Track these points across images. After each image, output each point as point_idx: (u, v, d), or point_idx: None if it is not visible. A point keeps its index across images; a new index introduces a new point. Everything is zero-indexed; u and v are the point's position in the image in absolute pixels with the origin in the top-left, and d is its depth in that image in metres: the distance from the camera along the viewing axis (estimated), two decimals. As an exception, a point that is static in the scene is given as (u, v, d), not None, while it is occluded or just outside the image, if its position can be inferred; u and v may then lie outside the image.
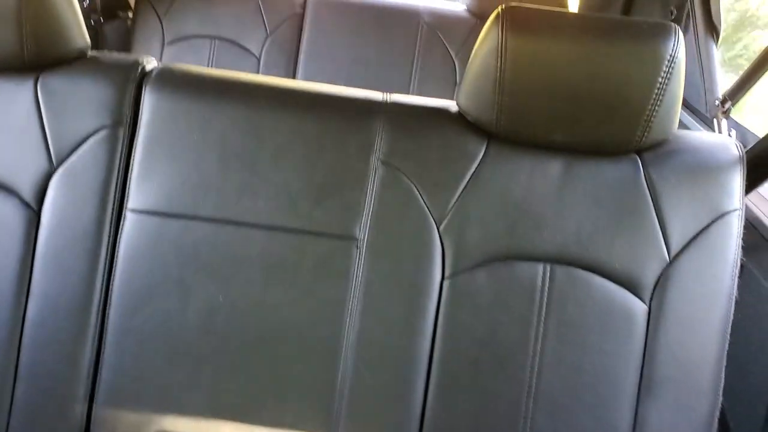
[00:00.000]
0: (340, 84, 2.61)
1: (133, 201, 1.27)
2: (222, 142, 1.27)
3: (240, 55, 2.71)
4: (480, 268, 1.25)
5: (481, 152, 1.27)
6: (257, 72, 2.70)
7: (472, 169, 1.26)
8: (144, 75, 1.31)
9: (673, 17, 2.42)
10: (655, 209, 1.25)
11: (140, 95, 1.29)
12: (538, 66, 1.18)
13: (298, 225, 1.26)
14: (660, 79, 1.16)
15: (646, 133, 1.21)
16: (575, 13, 1.22)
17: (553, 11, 1.21)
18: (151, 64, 1.34)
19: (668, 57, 1.15)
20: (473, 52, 1.27)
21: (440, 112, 1.31)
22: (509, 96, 1.20)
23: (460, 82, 1.31)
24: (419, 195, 1.26)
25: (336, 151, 1.27)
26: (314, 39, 2.71)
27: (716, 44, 2.14)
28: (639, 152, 1.27)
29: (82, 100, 1.28)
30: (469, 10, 2.73)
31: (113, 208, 1.27)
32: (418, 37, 2.69)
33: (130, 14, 2.87)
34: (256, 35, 2.71)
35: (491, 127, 1.25)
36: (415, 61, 2.69)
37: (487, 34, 1.21)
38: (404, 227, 1.26)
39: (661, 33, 1.17)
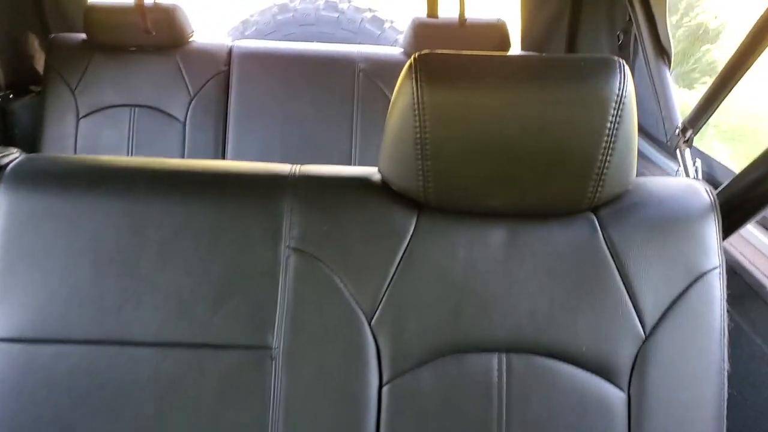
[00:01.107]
0: (275, 143, 2.46)
1: None
2: (95, 243, 1.05)
3: (163, 122, 2.49)
4: (423, 367, 1.04)
5: (411, 227, 1.06)
6: (183, 138, 2.48)
7: (403, 248, 1.05)
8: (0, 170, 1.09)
9: (620, 42, 2.26)
10: (620, 276, 1.05)
11: None
12: (464, 121, 0.98)
13: (195, 337, 1.04)
14: (609, 124, 0.97)
15: (600, 187, 1.02)
16: (501, 55, 1.02)
17: (475, 55, 1.02)
18: (7, 156, 1.12)
19: (615, 97, 0.97)
20: (390, 109, 1.07)
21: (360, 183, 1.11)
22: (434, 159, 1.00)
23: (382, 147, 1.11)
24: (342, 285, 1.04)
25: (235, 241, 1.06)
26: (243, 97, 2.50)
27: (669, 67, 1.98)
28: (594, 210, 1.08)
29: None
30: (406, 53, 2.55)
31: None
32: (356, 85, 2.50)
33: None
34: (179, 99, 2.49)
35: (419, 197, 1.04)
36: (355, 111, 2.49)
37: (400, 87, 1.02)
38: (328, 327, 1.04)
39: (604, 70, 0.98)
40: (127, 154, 2.48)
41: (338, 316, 1.05)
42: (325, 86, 2.52)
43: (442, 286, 1.05)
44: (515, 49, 2.58)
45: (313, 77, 2.52)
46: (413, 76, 0.99)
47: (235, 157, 2.47)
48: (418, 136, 1.00)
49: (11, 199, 1.06)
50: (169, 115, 2.49)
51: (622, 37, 2.25)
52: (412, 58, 1.02)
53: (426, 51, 1.02)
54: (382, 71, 2.52)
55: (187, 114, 2.49)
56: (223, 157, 2.49)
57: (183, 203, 1.07)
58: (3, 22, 2.60)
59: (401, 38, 3.12)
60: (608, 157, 0.99)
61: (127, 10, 2.49)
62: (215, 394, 1.03)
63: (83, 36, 2.56)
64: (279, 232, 1.07)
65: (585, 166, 1.00)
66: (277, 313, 1.05)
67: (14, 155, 1.14)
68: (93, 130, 2.49)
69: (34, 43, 2.77)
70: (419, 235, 1.07)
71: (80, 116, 2.48)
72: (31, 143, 2.60)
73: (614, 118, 0.97)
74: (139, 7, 2.43)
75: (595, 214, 1.08)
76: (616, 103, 0.97)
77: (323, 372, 1.04)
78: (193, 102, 2.49)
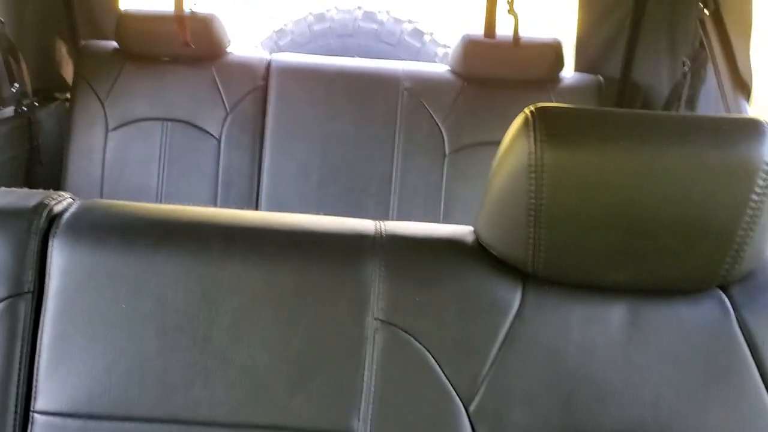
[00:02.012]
0: (313, 163, 2.33)
1: (42, 400, 0.94)
2: (162, 310, 0.93)
3: (197, 138, 2.37)
4: None
5: (515, 300, 0.94)
6: (218, 155, 2.36)
7: (506, 325, 0.93)
8: (52, 222, 0.97)
9: (686, 69, 2.13)
10: (756, 365, 0.92)
11: (47, 252, 0.94)
12: (589, 187, 0.86)
13: (272, 420, 0.92)
14: (754, 195, 0.85)
15: (736, 264, 0.90)
16: (635, 113, 0.90)
17: (606, 112, 0.89)
18: (61, 203, 1.00)
19: (764, 165, 0.84)
20: (494, 166, 0.94)
21: (455, 246, 0.98)
22: (548, 228, 0.88)
23: (480, 208, 0.98)
24: (437, 365, 0.92)
25: (318, 312, 0.94)
26: (281, 114, 2.37)
27: (748, 101, 1.85)
28: (724, 287, 0.95)
29: None
30: (453, 72, 2.42)
31: (16, 412, 0.93)
32: (399, 104, 2.37)
33: (69, 95, 2.51)
34: (215, 114, 2.37)
35: (526, 267, 0.92)
36: (398, 132, 2.36)
37: (512, 144, 0.89)
38: (421, 413, 0.92)
39: (750, 134, 0.86)
40: (158, 171, 2.36)
41: (432, 401, 0.92)
42: (367, 105, 2.39)
43: (552, 372, 0.93)
44: (568, 69, 2.46)
45: (355, 95, 2.40)
46: (531, 132, 0.87)
47: (271, 178, 2.35)
48: (533, 201, 0.87)
49: (68, 255, 0.94)
50: (204, 130, 2.36)
51: (688, 63, 2.12)
52: (528, 110, 0.89)
53: (545, 104, 0.90)
54: (427, 90, 2.39)
55: (222, 130, 2.36)
56: (259, 177, 2.36)
57: (261, 267, 0.95)
58: (32, 27, 2.48)
59: (441, 51, 3.01)
60: (749, 233, 0.87)
61: (161, 19, 2.37)
62: None
63: (114, 44, 2.43)
64: (365, 303, 0.94)
65: (722, 240, 0.88)
66: (363, 394, 0.93)
67: (67, 201, 1.02)
68: (123, 143, 2.36)
69: (63, 50, 2.65)
70: (525, 310, 0.94)
71: (110, 129, 2.36)
72: (56, 153, 2.48)
73: (762, 190, 0.85)
74: (179, 18, 2.30)
75: (726, 293, 0.95)
76: (764, 173, 0.84)
77: None
78: (230, 118, 2.36)
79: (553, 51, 2.35)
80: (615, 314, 0.94)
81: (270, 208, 2.36)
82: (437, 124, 2.36)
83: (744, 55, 1.84)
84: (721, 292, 0.96)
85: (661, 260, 0.90)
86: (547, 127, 0.87)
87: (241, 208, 2.33)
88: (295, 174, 2.35)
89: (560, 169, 0.86)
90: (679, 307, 0.95)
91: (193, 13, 2.36)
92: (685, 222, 0.86)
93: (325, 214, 2.29)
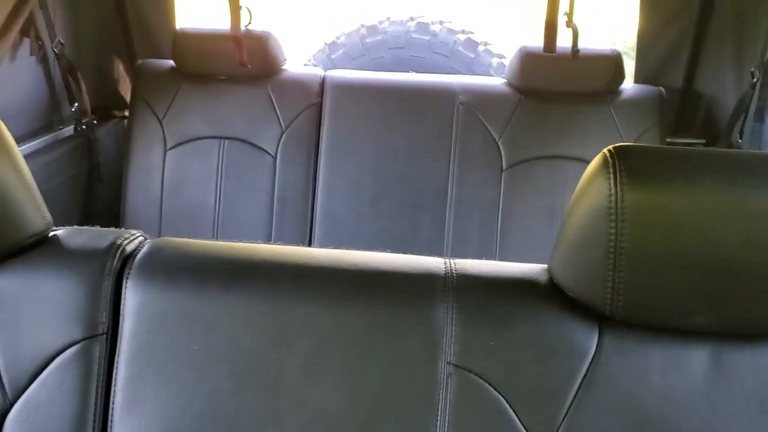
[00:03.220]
0: (368, 179, 2.32)
1: None
2: (233, 352, 0.93)
3: (253, 155, 2.38)
4: None
5: (592, 344, 0.91)
6: (274, 172, 2.36)
7: (584, 370, 0.90)
8: (125, 262, 0.97)
9: (756, 80, 2.06)
10: None
11: (121, 293, 0.95)
12: (673, 230, 0.82)
13: None
14: None
15: None
16: (720, 152, 0.86)
17: (689, 151, 0.86)
18: (133, 241, 1.00)
19: None
20: (570, 205, 0.91)
21: (528, 286, 0.95)
22: (629, 271, 0.84)
23: (555, 246, 0.95)
24: (512, 411, 0.90)
25: (389, 355, 0.92)
26: (335, 130, 2.37)
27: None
28: None
29: (42, 307, 0.95)
30: (510, 85, 2.38)
31: None
32: (455, 119, 2.34)
33: (127, 112, 2.55)
34: (270, 131, 2.37)
35: (604, 309, 0.88)
36: (453, 147, 2.34)
37: (591, 183, 0.86)
38: None
39: None
40: (216, 188, 2.37)
41: None
42: (422, 119, 2.37)
43: (630, 420, 0.89)
44: (629, 80, 2.40)
45: (410, 110, 2.38)
46: (610, 173, 0.84)
47: (326, 194, 2.35)
48: (613, 244, 0.84)
49: (141, 296, 0.94)
50: (260, 148, 2.37)
51: (758, 75, 2.04)
52: (607, 151, 0.86)
53: (625, 143, 0.86)
54: (483, 104, 2.36)
55: (278, 148, 2.37)
56: (314, 193, 2.36)
57: (331, 308, 0.94)
58: (90, 47, 2.53)
59: (495, 61, 2.97)
60: None
61: (217, 38, 2.38)
62: None
63: (171, 63, 2.46)
64: (438, 346, 0.92)
65: None
66: None
67: (139, 239, 1.02)
68: (181, 162, 2.39)
69: (120, 68, 2.69)
70: (603, 354, 0.91)
71: (168, 147, 2.39)
72: (115, 171, 2.52)
73: None
74: (236, 39, 2.31)
75: None
76: None
77: None
78: (285, 135, 2.37)
79: (613, 63, 2.30)
80: (697, 359, 0.90)
81: (324, 224, 2.35)
82: (494, 138, 2.32)
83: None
84: None
85: (746, 304, 0.86)
86: (627, 168, 0.83)
87: (296, 224, 2.35)
88: (349, 190, 2.35)
89: (642, 212, 0.83)
90: (765, 352, 0.90)
91: (248, 31, 2.37)
92: None
93: (380, 229, 2.30)
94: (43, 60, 2.27)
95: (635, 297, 0.87)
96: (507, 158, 2.31)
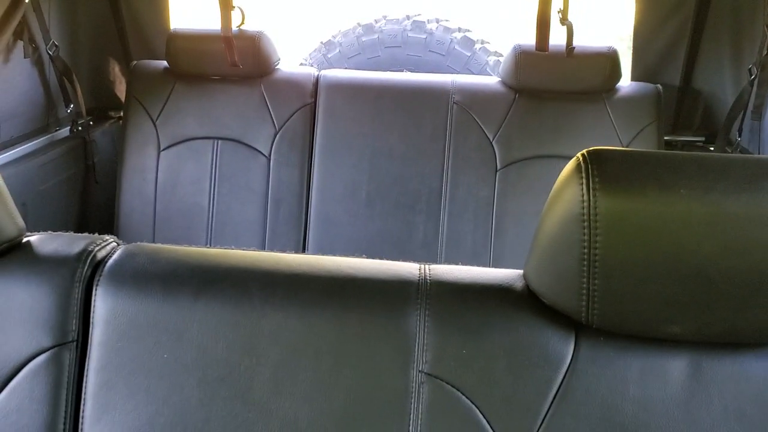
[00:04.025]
0: (362, 180, 2.31)
1: None
2: (202, 361, 0.92)
3: (247, 156, 2.37)
4: None
5: (568, 353, 0.89)
6: (267, 172, 2.35)
7: (559, 379, 0.88)
8: (95, 268, 0.96)
9: (753, 77, 2.03)
10: None
11: (90, 300, 0.94)
12: (648, 236, 0.80)
13: None
14: None
15: None
16: (696, 155, 0.84)
17: (664, 155, 0.84)
18: (105, 248, 0.99)
19: None
20: (543, 210, 0.90)
21: (503, 293, 0.94)
22: (604, 278, 0.82)
23: (529, 252, 0.93)
24: (485, 421, 0.88)
25: (360, 363, 0.91)
26: (329, 130, 2.36)
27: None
28: None
29: (12, 314, 0.95)
30: (505, 84, 2.36)
31: None
32: (449, 118, 2.33)
33: (122, 113, 2.55)
34: (264, 132, 2.36)
35: (579, 317, 0.87)
36: (447, 147, 2.32)
37: (563, 189, 0.84)
38: None
39: None
40: (210, 189, 2.37)
41: None
42: (416, 119, 2.36)
43: (608, 430, 0.88)
44: (625, 78, 2.37)
45: (404, 109, 2.37)
46: (583, 178, 0.82)
47: (320, 195, 2.34)
48: (586, 251, 0.82)
49: (111, 304, 0.93)
50: (254, 148, 2.36)
51: (756, 72, 2.01)
52: (580, 155, 0.84)
53: (597, 147, 0.85)
54: (478, 103, 2.34)
55: (271, 148, 2.36)
56: (308, 194, 2.35)
57: (301, 316, 0.92)
58: (85, 48, 2.53)
59: (492, 59, 2.94)
60: None
61: (210, 38, 2.38)
62: None
63: (165, 63, 2.45)
64: (410, 354, 0.91)
65: None
66: None
67: (111, 245, 1.01)
68: (174, 162, 2.38)
69: (115, 69, 2.69)
70: (579, 363, 0.89)
71: (161, 148, 2.38)
72: (111, 172, 2.53)
73: None
74: (226, 40, 2.30)
75: None
76: None
77: None
78: (278, 135, 2.36)
79: (609, 60, 2.27)
80: (675, 368, 0.89)
81: (318, 225, 2.34)
82: (488, 138, 2.31)
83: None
84: None
85: (725, 312, 0.84)
86: (601, 173, 0.82)
87: (290, 224, 2.34)
88: (344, 190, 2.34)
89: (615, 218, 0.81)
90: (746, 362, 0.88)
91: (241, 31, 2.36)
92: (752, 272, 0.80)
93: (374, 229, 2.29)
94: (38, 62, 2.27)
95: (611, 305, 0.85)
96: (501, 158, 2.29)
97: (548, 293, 0.90)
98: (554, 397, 0.88)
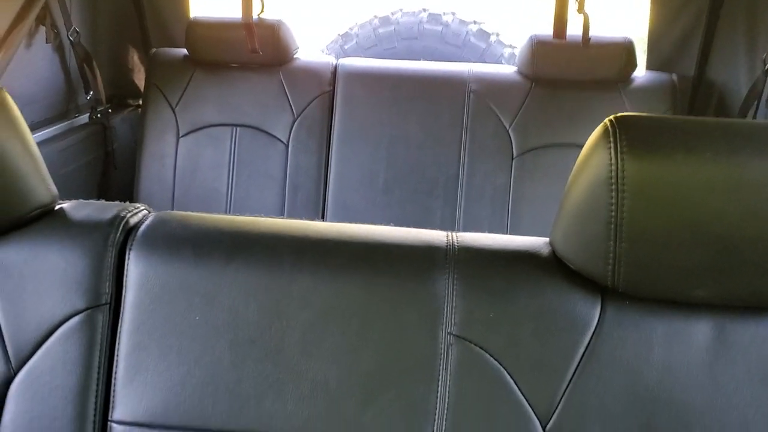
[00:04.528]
0: (379, 167, 2.33)
1: (119, 409, 0.95)
2: (234, 323, 0.93)
3: (265, 143, 2.40)
4: None
5: (594, 317, 0.91)
6: (286, 159, 2.38)
7: (585, 343, 0.90)
8: (128, 234, 0.98)
9: (766, 67, 2.04)
10: None
11: (123, 264, 0.96)
12: (674, 200, 0.82)
13: None
14: None
15: None
16: (723, 121, 0.86)
17: (690, 121, 0.85)
18: (137, 214, 1.02)
19: None
20: (571, 176, 0.91)
21: (530, 259, 0.96)
22: (630, 242, 0.84)
23: (556, 218, 0.95)
24: (513, 382, 0.90)
25: (389, 326, 0.93)
26: (347, 118, 2.38)
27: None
28: None
29: (47, 277, 0.96)
30: (521, 73, 2.38)
31: (95, 421, 0.94)
32: (466, 107, 2.35)
33: (141, 101, 2.58)
34: (283, 119, 2.39)
35: (605, 281, 0.88)
36: (464, 135, 2.34)
37: (591, 154, 0.86)
38: (495, 429, 0.90)
39: None
40: (228, 176, 2.39)
41: (507, 418, 0.90)
42: (433, 107, 2.38)
43: (632, 393, 0.89)
44: (640, 68, 2.38)
45: (421, 98, 2.39)
46: (611, 143, 0.84)
47: (338, 182, 2.36)
48: (614, 215, 0.84)
49: (143, 268, 0.96)
50: (272, 135, 2.39)
51: (768, 63, 2.03)
52: (608, 120, 0.86)
53: (626, 113, 0.86)
54: (494, 92, 2.36)
55: (290, 135, 2.38)
56: (325, 180, 2.37)
57: (331, 280, 0.94)
58: (105, 36, 2.56)
59: (507, 51, 2.96)
60: None
61: (230, 26, 2.40)
62: None
63: (184, 51, 2.48)
64: (438, 317, 0.92)
65: None
66: (437, 411, 0.91)
67: (143, 213, 1.04)
68: (193, 149, 2.41)
69: (135, 57, 2.72)
70: (604, 327, 0.91)
71: (180, 135, 2.41)
72: (129, 158, 2.55)
73: None
74: (247, 26, 2.33)
75: None
76: None
77: None
78: (297, 123, 2.38)
79: (625, 50, 2.29)
80: (699, 332, 0.90)
81: (336, 212, 2.37)
82: (504, 126, 2.32)
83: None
84: None
85: (748, 276, 0.86)
86: (628, 137, 0.83)
87: (308, 211, 2.36)
88: (361, 177, 2.36)
89: (642, 182, 0.82)
90: None
91: (260, 20, 2.39)
92: None
93: (392, 216, 2.31)
94: (59, 48, 2.30)
95: (637, 269, 0.87)
96: (517, 146, 2.30)
97: (575, 258, 0.91)
98: (580, 360, 0.90)
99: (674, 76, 2.35)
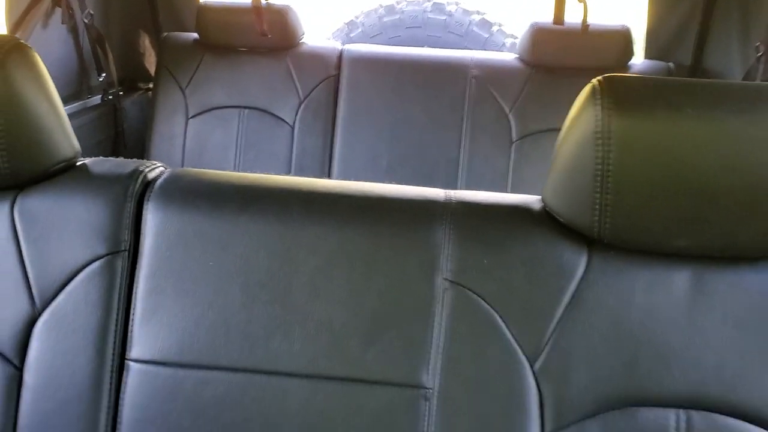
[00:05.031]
0: (382, 148, 2.40)
1: (136, 349, 1.02)
2: (245, 268, 1.00)
3: (272, 124, 2.47)
4: (591, 420, 0.95)
5: (581, 266, 0.97)
6: (291, 141, 2.45)
7: (572, 289, 0.96)
8: (146, 186, 1.05)
9: (760, 54, 2.10)
10: None
11: (142, 214, 1.03)
12: (655, 154, 0.88)
13: (346, 372, 0.98)
14: None
15: None
16: (702, 81, 0.92)
17: (672, 81, 0.92)
18: (155, 170, 1.09)
19: None
20: (562, 134, 0.98)
21: (522, 213, 1.02)
22: (615, 194, 0.90)
23: (548, 176, 1.02)
24: (504, 325, 0.96)
25: (390, 272, 0.99)
26: (352, 101, 2.45)
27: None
28: None
29: (70, 225, 1.03)
30: (521, 59, 2.45)
31: (113, 359, 1.01)
32: (467, 92, 2.41)
33: (152, 84, 2.65)
34: (289, 102, 2.46)
35: (592, 233, 0.95)
36: (465, 119, 2.40)
37: (580, 112, 0.92)
38: (487, 369, 0.96)
39: None
40: (235, 156, 2.47)
41: (498, 358, 0.97)
42: (436, 92, 2.45)
43: (615, 334, 0.96)
44: (638, 56, 2.45)
45: (424, 83, 2.46)
46: (598, 100, 0.90)
47: (342, 163, 2.43)
48: (599, 167, 0.90)
49: (161, 217, 1.02)
50: (279, 117, 2.46)
51: (763, 49, 2.09)
52: (596, 80, 0.92)
53: (612, 74, 0.93)
54: (495, 78, 2.43)
55: (296, 117, 2.45)
56: (330, 161, 2.44)
57: (337, 229, 1.01)
58: (117, 21, 2.63)
59: (509, 41, 3.03)
60: None
61: (239, 11, 2.47)
62: None
63: (195, 35, 2.55)
64: (436, 264, 0.99)
65: None
66: (432, 350, 0.98)
67: (159, 169, 1.10)
68: (202, 130, 2.48)
69: (146, 42, 2.79)
70: (590, 274, 0.97)
71: (189, 116, 2.48)
72: (139, 139, 2.63)
73: None
74: (257, 9, 2.40)
75: None
76: None
77: (480, 418, 0.96)
78: (303, 105, 2.45)
79: (622, 38, 2.35)
80: (679, 279, 0.97)
81: None
82: (504, 111, 2.39)
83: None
84: None
85: (726, 227, 0.92)
86: (615, 95, 0.90)
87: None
88: (365, 159, 2.43)
89: (627, 137, 0.89)
90: (745, 274, 0.96)
91: (269, 4, 2.46)
92: (750, 189, 0.88)
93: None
94: (73, 30, 2.37)
95: (621, 220, 0.93)
96: (517, 130, 2.37)
97: (564, 211, 0.98)
98: (567, 305, 0.97)
99: (671, 65, 2.42)
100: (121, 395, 1.01)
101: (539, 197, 1.05)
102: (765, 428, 0.93)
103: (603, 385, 0.95)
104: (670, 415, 0.94)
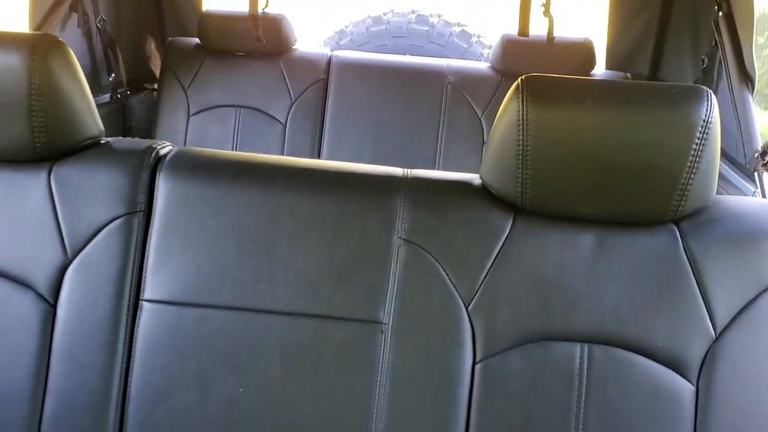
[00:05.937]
0: (366, 146, 2.64)
1: (149, 291, 1.23)
2: (238, 227, 1.23)
3: (266, 123, 2.70)
4: (513, 350, 1.18)
5: (507, 227, 1.20)
6: (283, 138, 2.69)
7: (499, 246, 1.20)
8: (158, 160, 1.28)
9: (704, 66, 2.35)
10: (697, 282, 1.16)
11: (154, 182, 1.26)
12: (563, 137, 1.12)
13: (318, 310, 1.21)
14: (694, 146, 1.09)
15: (682, 202, 1.14)
16: (600, 80, 1.16)
17: (577, 79, 1.16)
18: (165, 148, 1.32)
19: (702, 122, 1.09)
20: (494, 123, 1.22)
21: (463, 187, 1.25)
22: (533, 170, 1.14)
23: (483, 156, 1.26)
24: (445, 274, 1.19)
25: (355, 231, 1.22)
26: (339, 103, 2.69)
27: (752, 93, 2.06)
28: (676, 222, 1.20)
29: (96, 190, 1.25)
30: (493, 68, 2.70)
31: (129, 299, 1.23)
32: (444, 96, 2.66)
33: (156, 86, 2.89)
34: (281, 102, 2.70)
35: (516, 202, 1.18)
36: (442, 121, 2.65)
37: (507, 105, 1.16)
38: (431, 309, 1.19)
39: (692, 97, 1.10)
40: (232, 151, 2.70)
41: (440, 300, 1.19)
42: (415, 96, 2.68)
43: (533, 282, 1.19)
44: (600, 67, 2.69)
45: (405, 87, 2.70)
46: (520, 95, 1.14)
47: (329, 159, 2.66)
48: (520, 148, 1.14)
49: (170, 185, 1.25)
50: (272, 116, 2.69)
51: (707, 61, 2.33)
52: (519, 80, 1.16)
53: (532, 74, 1.17)
54: (469, 84, 2.67)
55: (287, 117, 2.69)
56: (319, 157, 2.68)
57: (313, 197, 1.24)
58: (127, 26, 2.86)
59: (487, 52, 3.28)
60: (692, 176, 1.11)
61: (238, 18, 2.71)
62: (333, 360, 1.20)
63: (197, 40, 2.79)
64: (392, 225, 1.22)
65: (670, 182, 1.12)
66: (388, 294, 1.21)
67: (169, 147, 1.34)
68: (202, 126, 2.71)
69: (152, 46, 3.02)
70: (515, 235, 1.21)
71: (191, 114, 2.71)
72: (145, 136, 2.86)
73: (700, 140, 1.09)
74: (253, 17, 2.64)
75: (677, 226, 1.19)
76: (702, 128, 1.09)
77: (425, 348, 1.19)
78: (294, 106, 2.69)
79: (585, 50, 2.59)
80: (585, 240, 1.20)
81: None
82: (477, 115, 2.63)
83: (749, 52, 2.05)
84: (673, 225, 1.20)
85: (622, 197, 1.15)
86: (532, 91, 1.13)
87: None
88: (350, 156, 2.66)
89: (541, 124, 1.12)
90: (639, 236, 1.19)
91: (265, 13, 2.70)
92: (639, 166, 1.11)
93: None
94: (87, 34, 2.60)
95: (539, 191, 1.17)
96: (488, 132, 2.61)
97: (495, 185, 1.21)
98: (495, 258, 1.20)
99: (629, 75, 2.66)
100: (135, 328, 1.22)
101: (478, 175, 1.29)
102: (649, 357, 1.16)
103: (523, 323, 1.18)
104: (576, 348, 1.18)
